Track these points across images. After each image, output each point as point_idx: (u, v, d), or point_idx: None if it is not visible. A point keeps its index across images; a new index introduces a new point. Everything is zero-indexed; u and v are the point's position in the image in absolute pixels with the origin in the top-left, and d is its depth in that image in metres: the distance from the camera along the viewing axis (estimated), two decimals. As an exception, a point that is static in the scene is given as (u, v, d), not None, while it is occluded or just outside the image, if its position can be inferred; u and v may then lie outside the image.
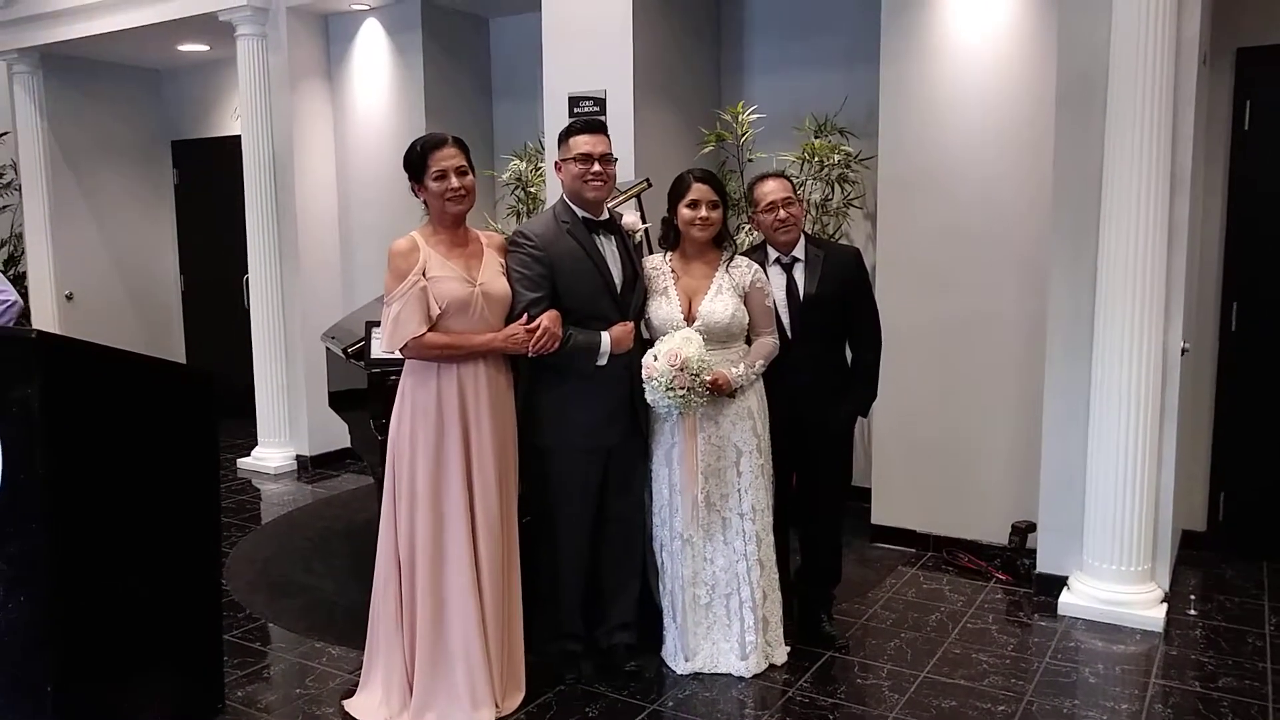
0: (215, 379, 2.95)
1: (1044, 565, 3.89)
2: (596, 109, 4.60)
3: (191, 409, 2.88)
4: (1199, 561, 4.17)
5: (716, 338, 3.10)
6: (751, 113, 4.56)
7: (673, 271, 3.19)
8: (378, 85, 5.86)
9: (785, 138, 4.69)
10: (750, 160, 4.65)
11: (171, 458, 2.81)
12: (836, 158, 4.48)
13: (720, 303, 3.12)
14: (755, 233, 3.61)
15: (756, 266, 3.23)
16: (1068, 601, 3.71)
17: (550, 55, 4.72)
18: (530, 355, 2.91)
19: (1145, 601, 3.61)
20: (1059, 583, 3.82)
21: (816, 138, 4.57)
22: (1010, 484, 4.17)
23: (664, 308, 3.14)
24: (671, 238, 3.22)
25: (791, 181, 3.36)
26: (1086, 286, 3.65)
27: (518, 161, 5.33)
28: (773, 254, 3.31)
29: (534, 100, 5.67)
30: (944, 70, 4.16)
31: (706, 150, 4.66)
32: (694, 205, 3.12)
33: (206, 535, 2.95)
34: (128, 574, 2.71)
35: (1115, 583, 3.63)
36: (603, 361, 3.00)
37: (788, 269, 3.29)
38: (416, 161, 2.88)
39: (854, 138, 4.57)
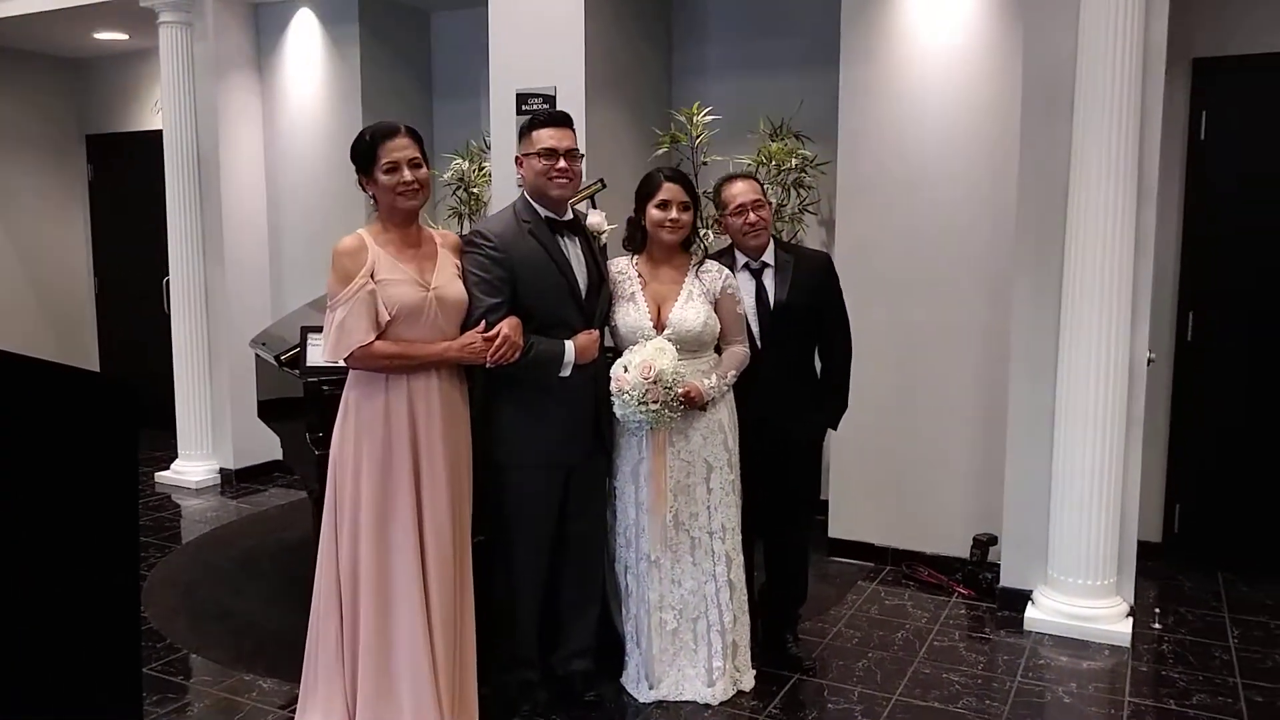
0: (138, 389, 2.67)
1: (1007, 579, 3.81)
2: (546, 107, 4.41)
3: (110, 424, 2.59)
4: (1155, 573, 4.14)
5: (687, 347, 2.94)
6: (707, 113, 4.42)
7: (639, 276, 3.01)
8: (311, 79, 5.57)
9: (739, 141, 4.56)
10: (705, 163, 4.51)
11: (84, 477, 2.52)
12: (794, 161, 4.36)
13: (692, 310, 2.96)
14: (721, 235, 3.46)
15: (728, 272, 3.07)
16: (1033, 617, 3.64)
17: (497, 50, 4.52)
18: (489, 366, 2.70)
19: (1111, 616, 3.55)
20: (1023, 597, 3.74)
21: (772, 141, 4.45)
22: (970, 496, 4.09)
23: (631, 314, 2.96)
24: (638, 240, 3.04)
25: (760, 183, 3.22)
26: (1051, 296, 3.59)
27: (460, 161, 5.11)
28: (741, 259, 3.16)
29: (477, 97, 5.47)
30: (906, 73, 4.08)
31: (661, 152, 4.51)
32: (664, 206, 2.95)
33: (124, 562, 2.65)
34: (30, 605, 2.41)
35: (1081, 597, 3.57)
36: (566, 373, 2.81)
37: (757, 275, 3.15)
38: (365, 152, 2.65)
39: (810, 141, 4.46)
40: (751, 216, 3.08)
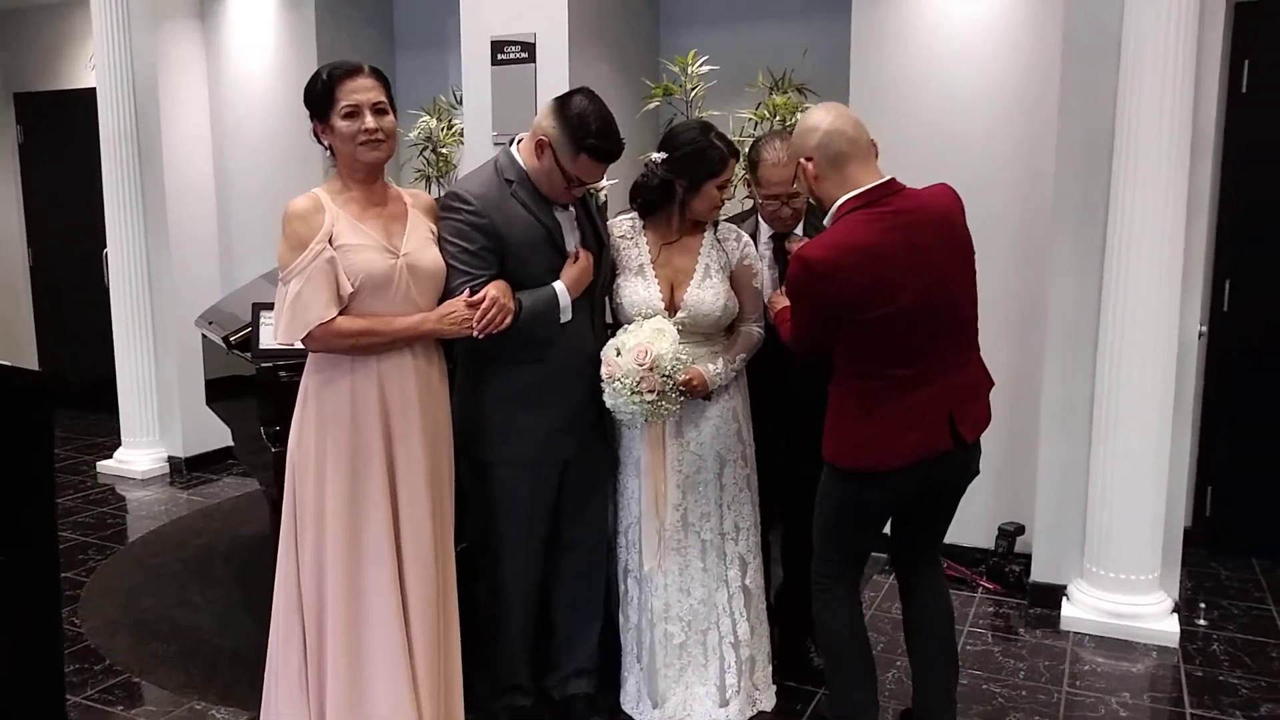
0: (64, 371, 2.23)
1: (1039, 574, 3.49)
2: (525, 55, 3.97)
3: (20, 420, 2.15)
4: (1187, 560, 3.82)
5: (700, 330, 2.55)
6: (702, 63, 4.01)
7: (648, 244, 2.60)
8: (260, 28, 5.06)
9: (737, 94, 4.15)
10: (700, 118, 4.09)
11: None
12: (799, 116, 3.95)
13: (710, 290, 2.56)
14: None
15: (748, 238, 2.68)
16: (1070, 615, 3.32)
17: (469, -7, 4.06)
18: (479, 336, 2.30)
19: (1156, 613, 3.25)
20: (1056, 593, 3.43)
21: (773, 94, 4.04)
22: (995, 483, 3.74)
23: (640, 290, 2.55)
24: (657, 205, 2.59)
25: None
26: (1093, 262, 3.25)
27: (427, 118, 4.65)
28: (766, 229, 2.77)
29: (445, 49, 5.00)
30: (927, 17, 3.68)
31: (652, 105, 4.09)
32: (724, 186, 2.54)
33: (40, 578, 2.23)
34: None
35: (1122, 593, 3.26)
36: (565, 316, 2.42)
37: (779, 239, 2.75)
38: (321, 95, 2.22)
39: (815, 95, 4.06)
40: (785, 210, 2.66)
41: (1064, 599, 3.39)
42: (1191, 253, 3.17)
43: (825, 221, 2.28)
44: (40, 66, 6.42)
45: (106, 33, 4.95)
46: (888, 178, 2.22)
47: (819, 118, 2.25)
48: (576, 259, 2.45)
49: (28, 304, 6.75)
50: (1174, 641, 3.18)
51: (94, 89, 5.14)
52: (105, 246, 5.25)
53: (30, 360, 6.55)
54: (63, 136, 6.27)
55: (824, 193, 2.25)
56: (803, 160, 2.26)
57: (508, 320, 2.31)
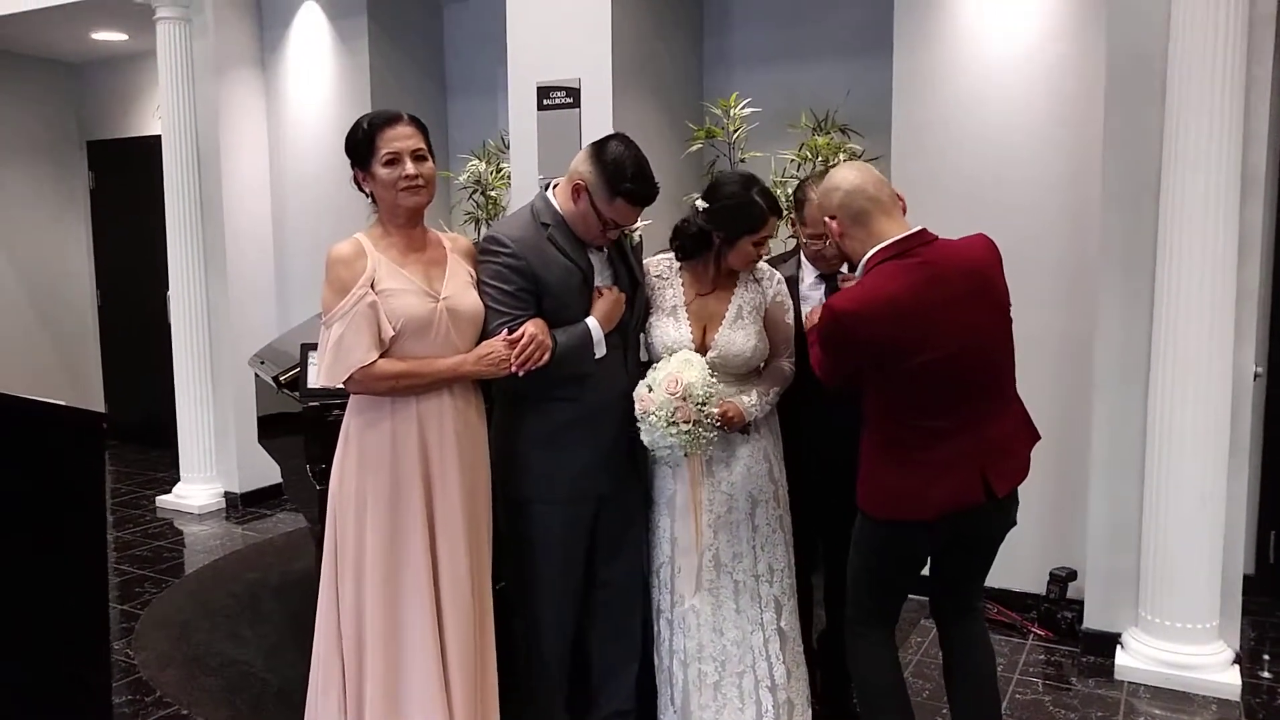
0: (128, 408, 2.30)
1: (1092, 621, 3.40)
2: (570, 100, 4.05)
3: (73, 460, 2.23)
4: (1249, 608, 3.69)
5: (730, 369, 2.55)
6: (745, 105, 4.04)
7: (683, 286, 2.62)
8: (317, 76, 5.24)
9: (779, 135, 4.17)
10: (743, 160, 4.11)
11: (42, 523, 2.16)
12: (842, 157, 3.96)
13: (741, 331, 2.57)
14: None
15: (780, 277, 2.68)
16: (1125, 664, 3.23)
17: (515, 40, 4.16)
18: (519, 374, 2.33)
19: (1216, 664, 3.14)
20: (1110, 641, 3.33)
21: (816, 135, 4.06)
22: (1046, 526, 3.66)
23: (671, 332, 2.57)
24: (693, 252, 2.60)
25: None
26: (1142, 303, 3.19)
27: (476, 162, 4.74)
28: (809, 270, 2.78)
29: (493, 94, 5.12)
30: (968, 55, 3.67)
31: (695, 148, 4.13)
32: (761, 243, 2.56)
33: (90, 620, 2.29)
34: None
35: (1180, 642, 3.16)
36: (600, 351, 2.45)
37: (828, 279, 2.75)
38: (362, 143, 2.29)
39: (859, 135, 4.07)
40: (829, 250, 2.66)
41: (1118, 647, 3.29)
42: (1245, 292, 3.09)
43: (856, 274, 2.29)
44: (111, 115, 6.70)
45: (171, 80, 5.16)
46: (918, 228, 2.22)
47: (841, 177, 2.28)
48: (603, 294, 2.48)
49: (95, 344, 6.98)
50: (1235, 694, 3.06)
51: (160, 136, 5.34)
52: (168, 288, 5.43)
53: (97, 397, 6.77)
54: (131, 182, 6.51)
55: (850, 249, 2.28)
56: (827, 219, 2.28)
57: (546, 356, 2.34)
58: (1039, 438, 2.36)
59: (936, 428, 2.19)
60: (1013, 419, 2.31)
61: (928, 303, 2.14)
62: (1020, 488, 2.34)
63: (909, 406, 2.20)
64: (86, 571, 2.27)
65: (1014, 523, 2.36)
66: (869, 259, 2.22)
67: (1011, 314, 2.29)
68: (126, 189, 6.61)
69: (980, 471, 2.21)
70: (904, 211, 2.30)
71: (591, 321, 2.44)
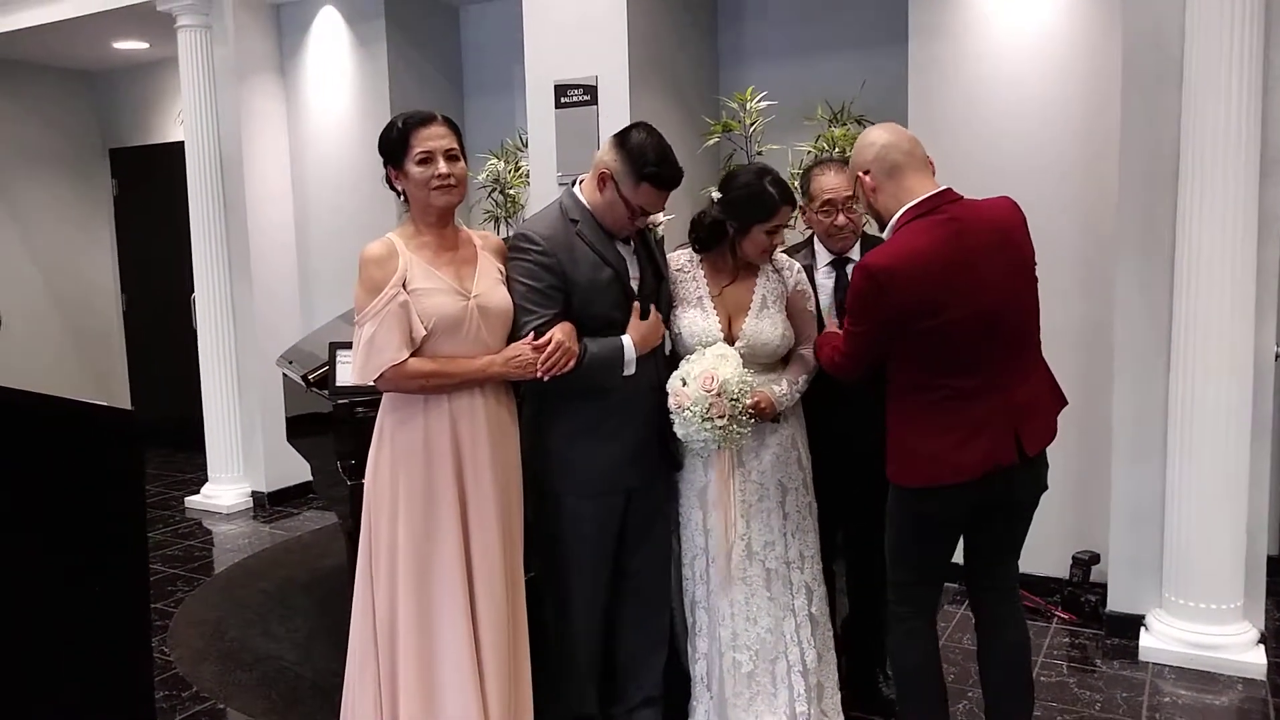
0: (154, 411, 2.35)
1: (1115, 603, 3.42)
2: (587, 98, 4.09)
3: (112, 459, 2.28)
4: (1273, 589, 3.71)
5: (759, 361, 2.59)
6: (761, 99, 4.07)
7: (705, 277, 2.66)
8: (336, 79, 5.30)
9: (796, 128, 4.20)
10: (759, 153, 4.14)
11: (83, 522, 2.21)
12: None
13: (768, 321, 2.61)
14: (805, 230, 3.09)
15: (800, 267, 2.72)
16: (1149, 645, 3.25)
17: (532, 39, 4.20)
18: (543, 379, 2.38)
19: (1240, 644, 3.15)
20: (1134, 623, 3.35)
21: (832, 127, 4.08)
22: (1069, 510, 3.69)
23: (699, 322, 2.61)
24: (710, 243, 2.65)
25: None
26: (1161, 286, 3.21)
27: (495, 161, 4.79)
28: (824, 255, 2.81)
29: (511, 94, 5.16)
30: (983, 44, 3.69)
31: (711, 142, 4.16)
32: (774, 232, 2.59)
33: (131, 620, 2.34)
34: (34, 645, 2.10)
35: (1204, 623, 3.18)
36: (630, 370, 2.48)
37: (839, 267, 2.79)
38: (396, 142, 2.33)
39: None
40: (840, 218, 2.70)
41: (1142, 629, 3.32)
42: (1265, 273, 3.10)
43: (884, 234, 2.31)
44: (134, 122, 6.79)
45: (192, 87, 5.23)
46: (944, 187, 2.25)
47: (875, 134, 2.32)
48: (646, 315, 2.50)
49: (121, 347, 7.09)
50: (1261, 674, 3.08)
51: (183, 143, 5.41)
52: (193, 291, 5.51)
53: (123, 401, 6.87)
54: (154, 188, 6.60)
55: (882, 205, 2.29)
56: (860, 174, 2.30)
57: (571, 363, 2.38)
58: (1066, 402, 2.38)
59: (966, 387, 2.20)
60: (1040, 379, 2.32)
61: (956, 258, 2.16)
62: (1042, 471, 2.35)
63: (938, 368, 2.21)
64: (130, 570, 2.32)
65: (1045, 486, 2.36)
66: (899, 217, 2.24)
67: (1037, 274, 2.30)
68: (149, 195, 6.70)
69: (1013, 430, 2.22)
70: (934, 173, 2.32)
71: (627, 340, 2.47)
